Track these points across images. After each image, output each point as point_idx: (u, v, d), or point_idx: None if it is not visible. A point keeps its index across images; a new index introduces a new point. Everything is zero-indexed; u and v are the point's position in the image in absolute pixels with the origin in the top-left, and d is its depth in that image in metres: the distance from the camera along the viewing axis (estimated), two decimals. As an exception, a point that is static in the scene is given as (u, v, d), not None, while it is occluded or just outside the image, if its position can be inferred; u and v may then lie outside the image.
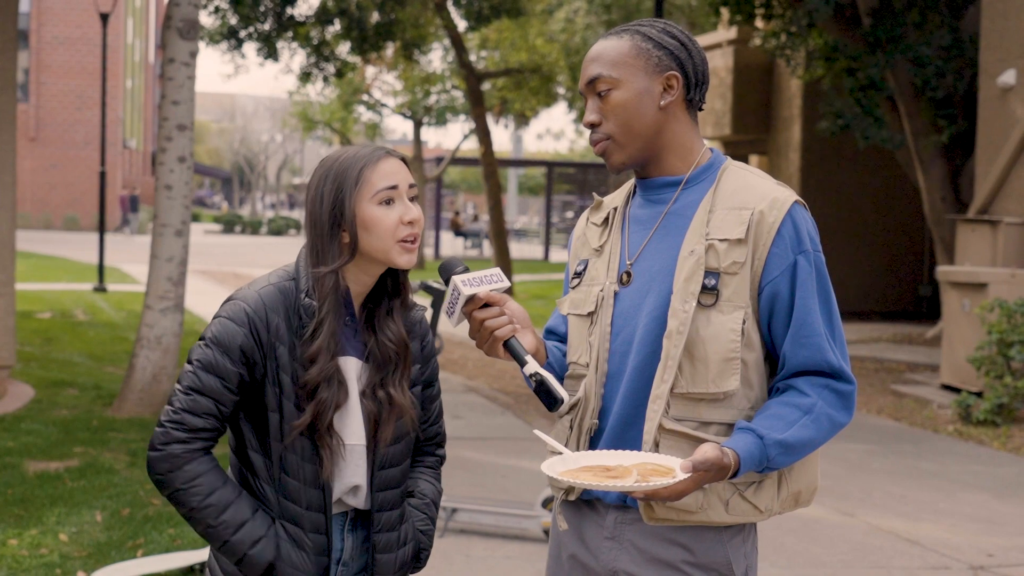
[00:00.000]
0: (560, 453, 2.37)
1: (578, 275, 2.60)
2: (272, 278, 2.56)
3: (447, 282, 2.45)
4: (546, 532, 6.45)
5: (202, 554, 5.68)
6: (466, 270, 2.46)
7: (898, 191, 20.37)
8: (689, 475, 2.21)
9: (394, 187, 2.53)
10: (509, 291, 2.49)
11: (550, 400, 2.39)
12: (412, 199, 2.57)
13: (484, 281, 2.42)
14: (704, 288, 2.37)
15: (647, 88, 2.46)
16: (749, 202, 2.42)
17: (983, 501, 7.91)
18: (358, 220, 2.50)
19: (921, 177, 15.82)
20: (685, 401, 2.38)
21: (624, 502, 2.46)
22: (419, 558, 2.71)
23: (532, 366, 2.37)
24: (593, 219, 2.65)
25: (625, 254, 2.52)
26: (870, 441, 9.77)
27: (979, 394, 11.00)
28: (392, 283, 2.62)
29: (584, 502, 2.54)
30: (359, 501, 2.59)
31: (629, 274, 2.49)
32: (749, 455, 2.29)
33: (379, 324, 2.59)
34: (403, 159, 2.61)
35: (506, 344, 2.41)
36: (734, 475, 2.29)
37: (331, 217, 2.51)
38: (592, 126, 2.50)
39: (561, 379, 2.59)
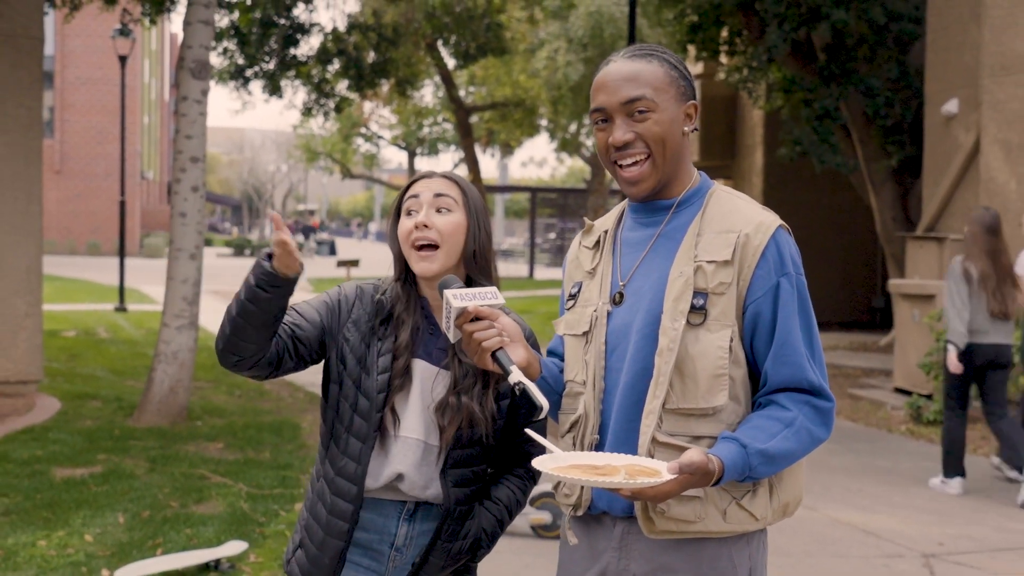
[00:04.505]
0: (551, 452, 2.31)
1: (572, 297, 2.51)
2: (371, 280, 2.72)
3: (443, 296, 2.42)
4: (533, 528, 6.43)
5: (217, 552, 5.67)
6: (461, 286, 2.43)
7: (852, 211, 20.43)
8: (675, 476, 2.12)
9: (415, 196, 2.61)
10: (503, 307, 2.44)
11: (532, 408, 2.36)
12: (439, 209, 2.58)
13: (477, 296, 2.38)
14: (693, 308, 2.29)
15: (677, 115, 2.37)
16: (736, 225, 2.33)
17: (933, 495, 7.92)
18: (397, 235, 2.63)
19: (873, 198, 15.87)
20: (677, 416, 2.30)
21: (631, 514, 2.37)
22: (475, 554, 2.70)
23: (516, 375, 2.32)
24: (585, 243, 2.55)
25: (617, 275, 2.43)
26: (829, 440, 9.78)
27: (929, 396, 11.02)
28: None
29: (591, 517, 2.45)
30: (408, 487, 2.60)
31: (622, 295, 2.40)
32: (733, 463, 2.19)
33: None
34: (450, 177, 2.64)
35: (493, 355, 2.35)
36: (717, 482, 2.20)
37: (388, 236, 2.66)
38: (626, 144, 2.35)
39: (559, 394, 2.53)
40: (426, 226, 2.55)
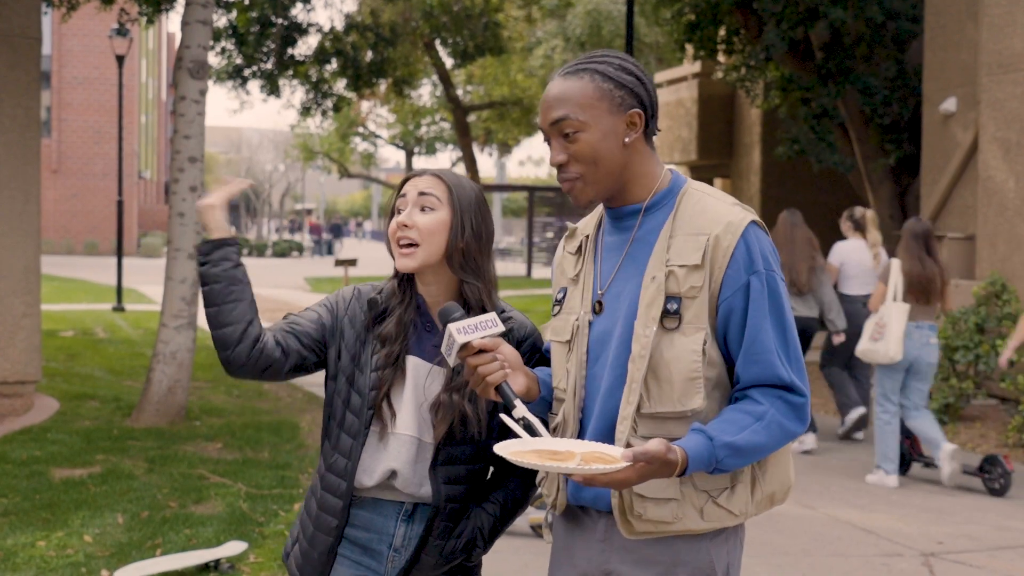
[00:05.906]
0: (519, 436, 2.33)
1: (558, 303, 2.53)
2: (381, 282, 2.74)
3: (445, 328, 2.42)
4: (533, 528, 6.43)
5: (216, 552, 5.67)
6: (463, 316, 2.43)
7: (850, 210, 20.41)
8: (630, 464, 2.14)
9: (402, 195, 2.63)
10: (504, 334, 2.45)
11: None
12: (423, 208, 2.59)
13: (479, 328, 2.39)
14: (667, 312, 2.30)
15: (612, 128, 2.35)
16: (705, 227, 2.33)
17: (932, 493, 7.93)
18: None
19: (871, 197, 15.88)
20: (653, 420, 2.32)
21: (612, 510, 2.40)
22: (470, 554, 2.68)
23: (520, 410, 2.34)
24: (568, 248, 2.56)
25: (597, 283, 2.45)
26: (829, 439, 9.78)
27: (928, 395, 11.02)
28: (473, 300, 2.63)
29: (580, 508, 2.48)
30: (402, 485, 2.61)
31: (601, 303, 2.43)
32: (697, 455, 2.21)
33: None
34: (438, 175, 2.64)
35: (497, 388, 2.38)
36: (682, 473, 2.22)
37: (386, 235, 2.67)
38: (560, 166, 2.39)
39: (550, 401, 2.56)
40: (406, 225, 2.58)
